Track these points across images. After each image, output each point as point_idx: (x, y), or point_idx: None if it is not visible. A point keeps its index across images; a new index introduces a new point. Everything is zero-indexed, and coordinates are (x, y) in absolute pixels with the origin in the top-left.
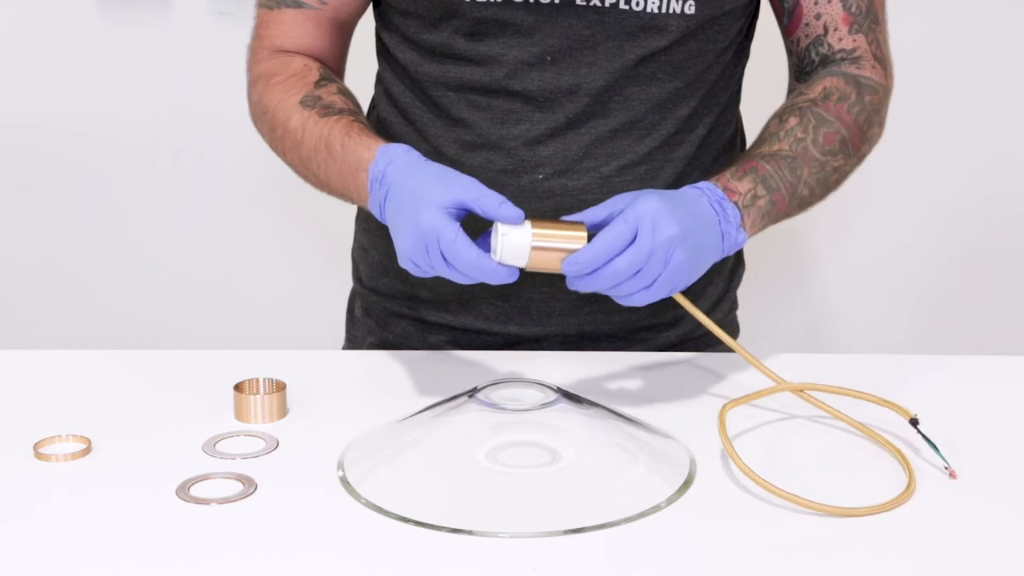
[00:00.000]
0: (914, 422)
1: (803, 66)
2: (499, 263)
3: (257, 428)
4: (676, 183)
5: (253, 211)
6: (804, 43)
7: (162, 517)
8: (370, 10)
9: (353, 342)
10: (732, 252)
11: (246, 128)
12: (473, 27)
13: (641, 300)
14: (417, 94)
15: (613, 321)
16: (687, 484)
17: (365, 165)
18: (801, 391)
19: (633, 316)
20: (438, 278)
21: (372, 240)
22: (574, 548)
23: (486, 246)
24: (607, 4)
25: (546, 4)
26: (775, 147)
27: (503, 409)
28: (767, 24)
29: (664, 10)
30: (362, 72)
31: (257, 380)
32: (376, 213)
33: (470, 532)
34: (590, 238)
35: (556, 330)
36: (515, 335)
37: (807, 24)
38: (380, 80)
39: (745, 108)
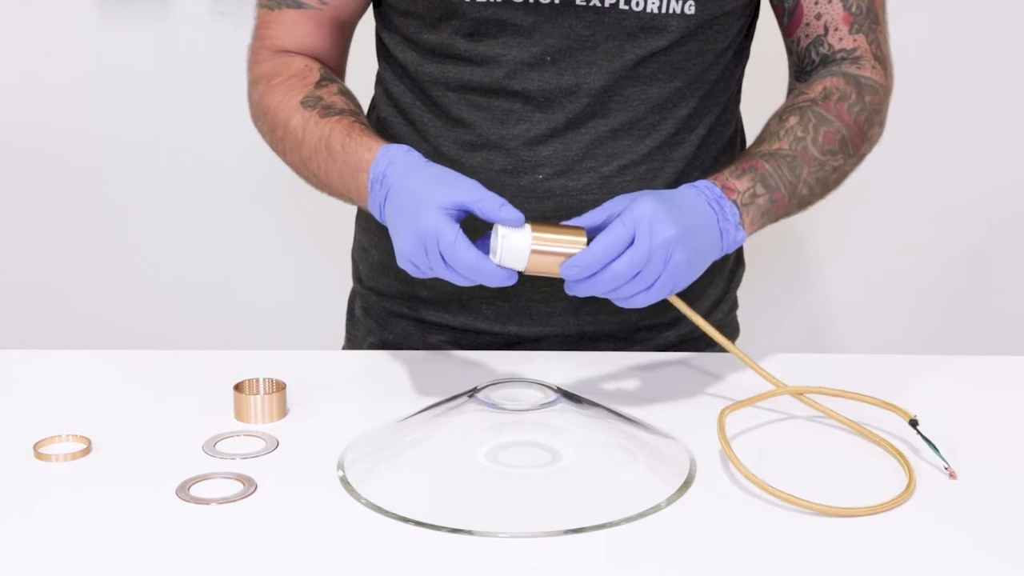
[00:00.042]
0: (913, 423)
1: (803, 66)
2: (498, 265)
3: (257, 428)
4: (676, 183)
5: (253, 211)
6: (804, 43)
7: (162, 517)
8: (370, 10)
9: (353, 342)
10: (732, 250)
11: (246, 128)
12: (473, 27)
13: (642, 302)
14: (417, 94)
15: (613, 321)
16: (687, 484)
17: (366, 166)
18: (801, 395)
19: (633, 316)
20: (438, 278)
21: (372, 240)
22: (574, 548)
23: (486, 248)
24: (607, 4)
25: (546, 4)
26: (775, 146)
27: (503, 409)
28: (767, 24)
29: (664, 10)
30: (362, 72)
31: (257, 380)
32: (376, 214)
33: (470, 532)
34: (589, 242)
35: (556, 330)
36: (515, 335)
37: (807, 24)
38: (380, 80)
39: (745, 108)
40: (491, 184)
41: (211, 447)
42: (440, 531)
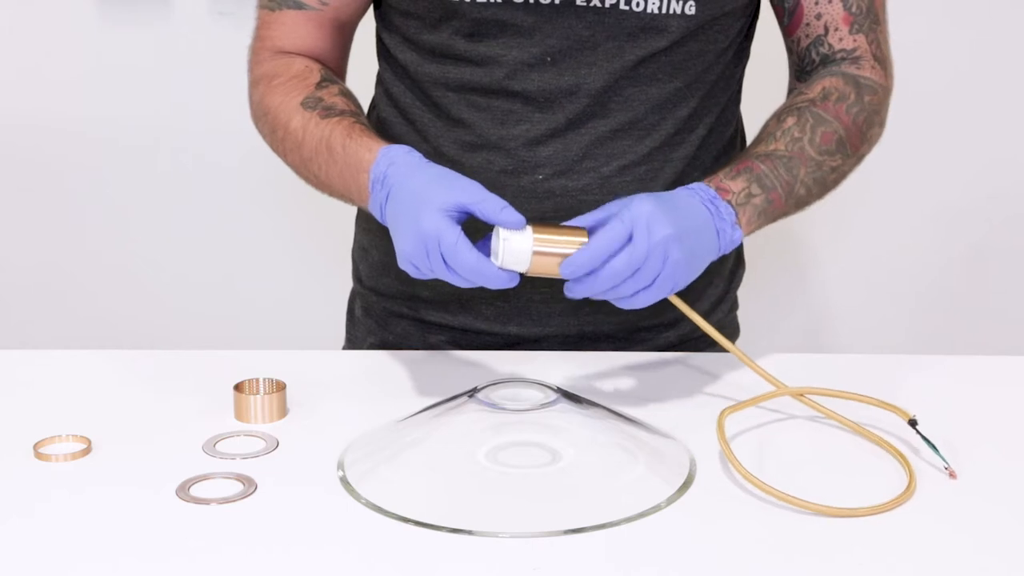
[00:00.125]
0: (913, 423)
1: (803, 66)
2: (500, 268)
3: (257, 428)
4: (676, 183)
5: (253, 211)
6: (804, 43)
7: (162, 517)
8: (371, 11)
9: (353, 342)
10: (729, 250)
11: (246, 128)
12: (473, 28)
13: (642, 301)
14: (417, 94)
15: (613, 322)
16: (687, 484)
17: (366, 166)
18: (801, 395)
19: (632, 317)
20: (438, 279)
21: (372, 240)
22: (574, 548)
23: (486, 250)
24: (607, 5)
25: (546, 5)
26: (771, 147)
27: (503, 409)
28: (767, 24)
29: (664, 11)
30: (363, 72)
31: (257, 380)
32: (377, 214)
33: (470, 532)
34: None
35: (556, 331)
36: (515, 335)
37: (807, 24)
38: (380, 80)
39: (745, 108)
40: (491, 184)
41: (211, 447)
42: (440, 531)
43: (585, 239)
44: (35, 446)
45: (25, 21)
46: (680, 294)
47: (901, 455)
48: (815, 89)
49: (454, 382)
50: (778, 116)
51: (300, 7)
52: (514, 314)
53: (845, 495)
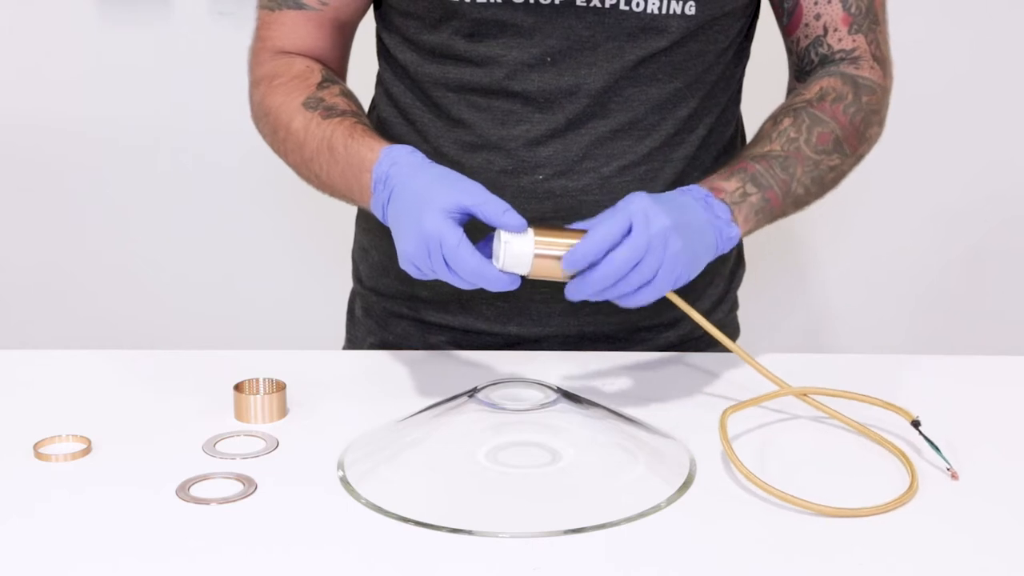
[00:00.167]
0: (916, 424)
1: (803, 66)
2: (501, 270)
3: (257, 428)
4: (676, 183)
5: (253, 211)
6: (804, 43)
7: (162, 517)
8: (371, 11)
9: (353, 342)
10: (727, 248)
11: (246, 128)
12: (473, 28)
13: (644, 298)
14: (417, 95)
15: (613, 322)
16: (687, 484)
17: (368, 166)
18: (805, 395)
19: (633, 317)
20: (439, 279)
21: (372, 240)
22: (574, 548)
23: (487, 252)
24: (607, 5)
25: (546, 5)
26: (766, 148)
27: (503, 409)
28: (767, 24)
29: (664, 11)
30: (363, 72)
31: (257, 380)
32: (379, 214)
33: (470, 532)
34: None
35: (556, 331)
36: (515, 336)
37: (807, 24)
38: (380, 80)
39: (745, 108)
40: (491, 184)
41: (211, 447)
42: (440, 531)
43: None
44: (35, 446)
45: (25, 21)
46: (681, 294)
47: (903, 455)
48: (812, 90)
49: (454, 382)
50: (774, 118)
51: (300, 7)
52: (514, 314)
53: (847, 495)
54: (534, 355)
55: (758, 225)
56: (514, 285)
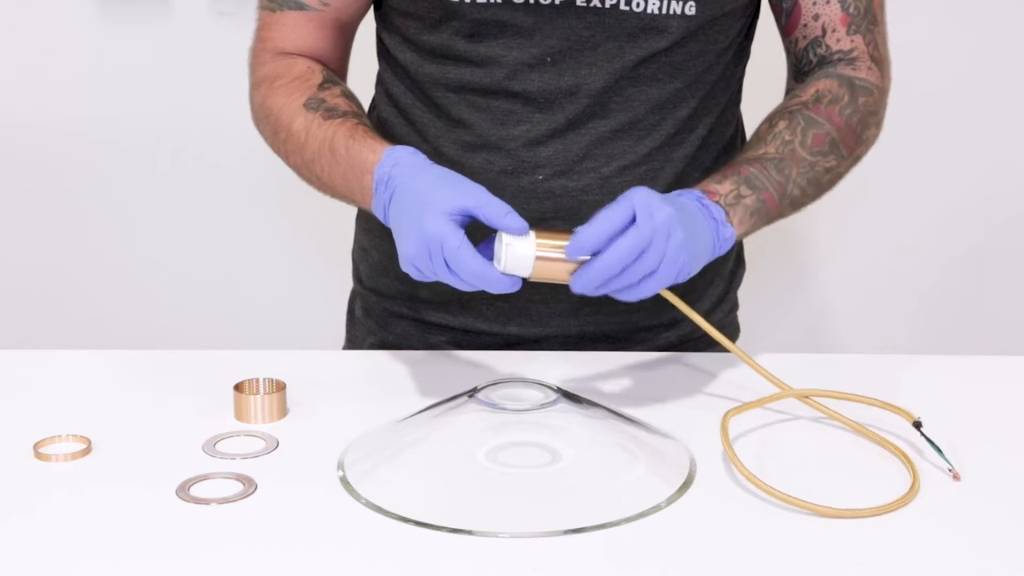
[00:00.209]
0: (917, 425)
1: (801, 66)
2: (502, 272)
3: (257, 428)
4: (676, 183)
5: (253, 211)
6: (802, 44)
7: (162, 517)
8: (371, 11)
9: (353, 342)
10: (724, 248)
11: (246, 128)
12: (473, 28)
13: (647, 289)
14: (417, 95)
15: (613, 322)
16: (687, 484)
17: (370, 167)
18: (806, 397)
19: (633, 317)
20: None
21: (372, 240)
22: (574, 548)
23: (488, 253)
24: (607, 5)
25: (546, 5)
26: (760, 151)
27: (503, 409)
28: (767, 24)
29: (664, 11)
30: (363, 73)
31: (257, 380)
32: (380, 216)
33: (470, 532)
34: None
35: (556, 331)
36: (515, 336)
37: (805, 25)
38: (380, 81)
39: (745, 108)
40: (491, 185)
41: (211, 447)
42: (440, 531)
43: None
44: (35, 446)
45: (25, 21)
46: (681, 294)
47: (905, 456)
48: (808, 92)
49: (454, 382)
50: (770, 120)
51: (301, 8)
52: (514, 314)
53: (848, 496)
54: (534, 355)
55: (754, 227)
56: (515, 287)
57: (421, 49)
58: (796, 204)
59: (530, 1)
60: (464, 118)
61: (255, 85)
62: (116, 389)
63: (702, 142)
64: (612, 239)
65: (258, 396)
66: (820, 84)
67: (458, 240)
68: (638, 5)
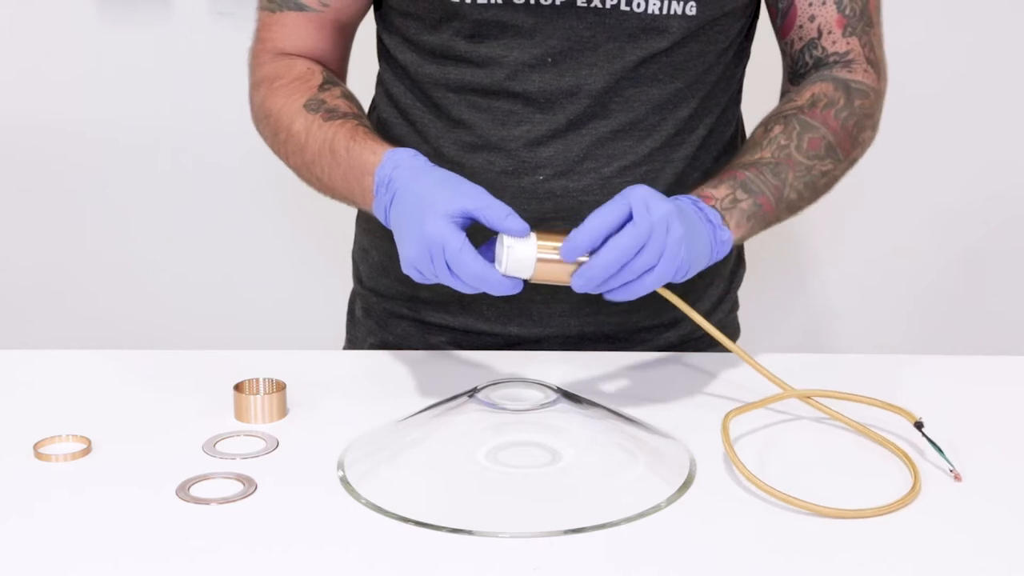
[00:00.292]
0: (919, 425)
1: (796, 68)
2: (503, 275)
3: (257, 428)
4: (677, 183)
5: (253, 211)
6: (798, 45)
7: (162, 517)
8: (371, 12)
9: (354, 343)
10: (721, 252)
11: (246, 128)
12: (474, 29)
13: (647, 284)
14: (418, 95)
15: (613, 322)
16: (687, 484)
17: (371, 169)
18: (807, 397)
19: (633, 317)
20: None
21: (372, 241)
22: (574, 548)
23: (489, 255)
24: (608, 5)
25: (547, 6)
26: (756, 155)
27: (503, 409)
28: (767, 24)
29: (665, 11)
30: (363, 73)
31: (257, 380)
32: (381, 217)
33: (470, 532)
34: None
35: (556, 331)
36: (515, 336)
37: (801, 26)
38: (381, 81)
39: (745, 108)
40: (492, 185)
41: (211, 447)
42: (440, 531)
43: None
44: (35, 446)
45: (25, 21)
46: (681, 294)
47: (906, 456)
48: (804, 96)
49: (454, 382)
50: (765, 124)
51: (301, 8)
52: (515, 315)
53: (849, 496)
54: (534, 355)
55: (751, 231)
56: (516, 289)
57: (421, 49)
58: (793, 208)
59: (531, 1)
60: (464, 119)
61: (255, 86)
62: (116, 389)
63: (702, 142)
64: (609, 237)
65: (258, 396)
66: (816, 87)
67: (459, 242)
68: (639, 5)
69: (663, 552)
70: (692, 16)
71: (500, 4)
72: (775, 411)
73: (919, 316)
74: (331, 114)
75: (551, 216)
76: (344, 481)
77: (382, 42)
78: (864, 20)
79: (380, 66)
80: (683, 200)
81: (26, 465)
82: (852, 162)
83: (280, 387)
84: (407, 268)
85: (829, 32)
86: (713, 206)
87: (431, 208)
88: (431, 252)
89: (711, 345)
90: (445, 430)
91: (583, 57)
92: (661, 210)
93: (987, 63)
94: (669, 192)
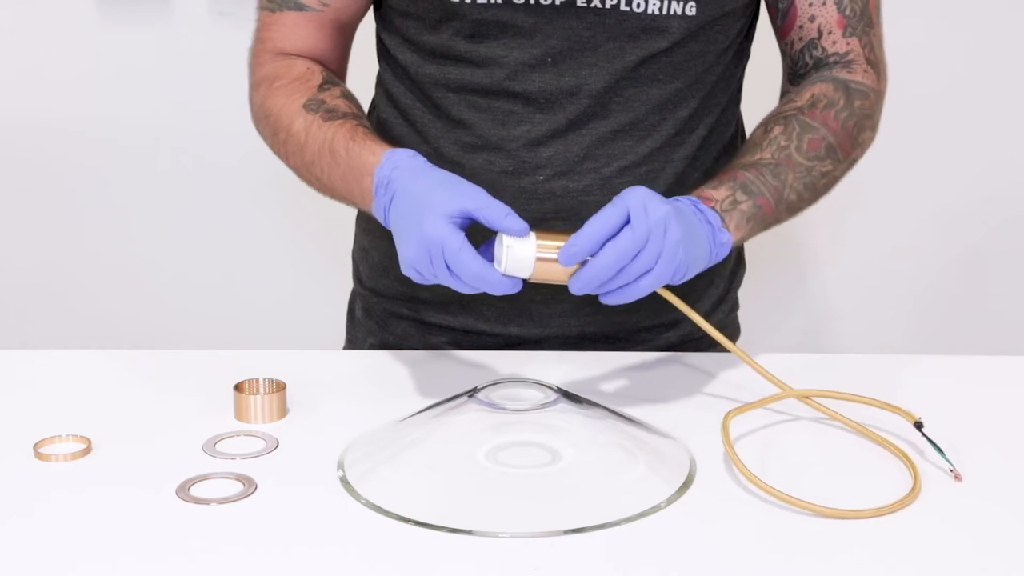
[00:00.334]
0: (918, 425)
1: (796, 69)
2: (503, 274)
3: (257, 428)
4: (677, 183)
5: (253, 211)
6: (798, 46)
7: (162, 517)
8: (371, 11)
9: (354, 343)
10: (720, 254)
11: (246, 128)
12: (473, 29)
13: (645, 287)
14: (417, 95)
15: (613, 322)
16: (687, 484)
17: (370, 169)
18: (807, 397)
19: (633, 317)
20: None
21: (372, 241)
22: (574, 548)
23: (489, 255)
24: (607, 5)
25: (546, 5)
26: (756, 156)
27: (503, 409)
28: (767, 24)
29: (665, 11)
30: (363, 73)
31: (257, 380)
32: (380, 218)
33: (470, 532)
34: None
35: (557, 331)
36: (516, 336)
37: (801, 27)
38: (380, 81)
39: (745, 108)
40: (492, 185)
41: (211, 447)
42: (440, 531)
43: None
44: (35, 446)
45: (25, 21)
46: (681, 294)
47: (906, 457)
48: (804, 97)
49: (454, 382)
50: (765, 125)
51: (301, 8)
52: (515, 315)
53: (849, 497)
54: (534, 355)
55: (751, 233)
56: (516, 289)
57: (421, 49)
58: (793, 209)
59: (530, 1)
60: (464, 119)
61: (254, 86)
62: (116, 389)
63: (702, 142)
64: (605, 242)
65: (258, 396)
66: (815, 88)
67: (459, 242)
68: (638, 5)
69: (663, 552)
70: (692, 16)
71: (500, 4)
72: (775, 411)
73: (919, 316)
74: (331, 114)
75: (551, 216)
76: (344, 481)
77: (382, 42)
78: (864, 20)
79: (380, 66)
80: (683, 201)
81: (26, 465)
82: (852, 163)
83: (280, 387)
84: (406, 269)
85: (829, 32)
86: (713, 207)
87: (430, 208)
88: (430, 252)
89: (711, 345)
90: (445, 430)
91: (583, 57)
92: (659, 212)
93: (987, 63)
94: (669, 192)
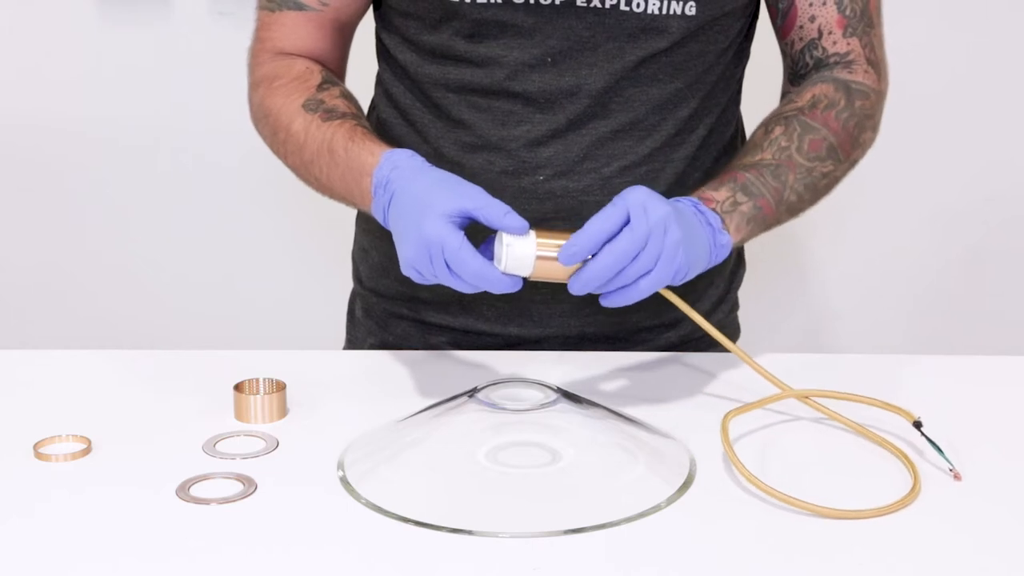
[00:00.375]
0: (918, 425)
1: (797, 69)
2: (503, 273)
3: (257, 428)
4: (677, 183)
5: (253, 211)
6: (798, 46)
7: (162, 517)
8: (370, 11)
9: (354, 343)
10: (720, 256)
11: (246, 128)
12: (473, 28)
13: (644, 288)
14: (417, 95)
15: (613, 322)
16: (687, 484)
17: (369, 170)
18: (806, 398)
19: (633, 317)
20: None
21: (372, 241)
22: (574, 548)
23: (488, 254)
24: (607, 5)
25: (546, 5)
26: (756, 157)
27: (503, 409)
28: (767, 24)
29: (664, 11)
30: (362, 73)
31: (257, 380)
32: (380, 218)
33: (470, 532)
34: None
35: (557, 331)
36: (516, 336)
37: (801, 27)
38: (380, 81)
39: (745, 108)
40: (492, 185)
41: (211, 447)
42: (440, 531)
43: None
44: (35, 446)
45: (25, 21)
46: (681, 294)
47: (906, 457)
48: (804, 97)
49: (454, 382)
50: (765, 126)
51: (300, 8)
52: (515, 315)
53: (849, 497)
54: (534, 355)
55: (751, 234)
56: (516, 287)
57: (421, 49)
58: (793, 210)
59: (530, 1)
60: (464, 119)
61: (254, 85)
62: (116, 389)
63: (702, 142)
64: (605, 242)
65: (258, 396)
66: (816, 89)
67: (458, 242)
68: (638, 5)
69: (663, 552)
70: (692, 16)
71: (500, 4)
72: (774, 411)
73: (919, 316)
74: (330, 114)
75: (551, 216)
76: (344, 481)
77: (382, 42)
78: (865, 21)
79: (380, 66)
80: (683, 202)
81: (26, 465)
82: (853, 163)
83: (280, 387)
84: (406, 269)
85: (830, 33)
86: (713, 209)
87: (429, 208)
88: (430, 252)
89: (711, 345)
90: (445, 430)
91: (583, 57)
92: (659, 213)
93: (987, 63)
94: (669, 192)
